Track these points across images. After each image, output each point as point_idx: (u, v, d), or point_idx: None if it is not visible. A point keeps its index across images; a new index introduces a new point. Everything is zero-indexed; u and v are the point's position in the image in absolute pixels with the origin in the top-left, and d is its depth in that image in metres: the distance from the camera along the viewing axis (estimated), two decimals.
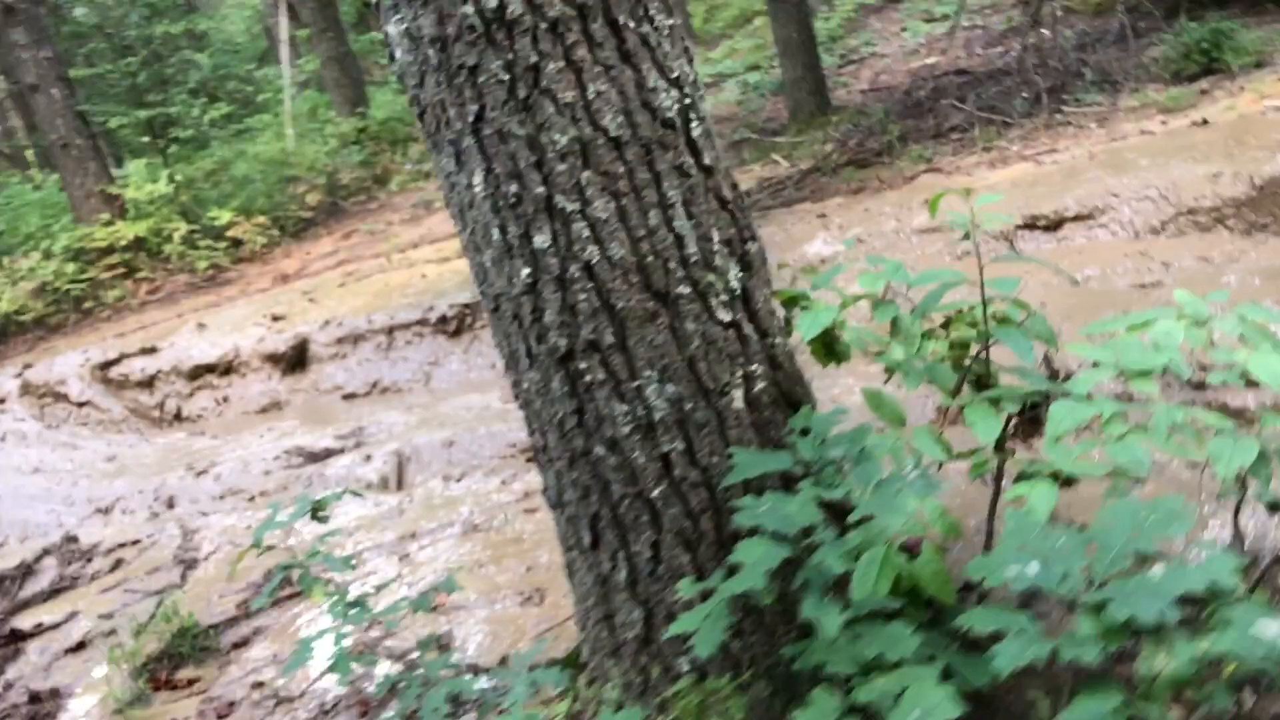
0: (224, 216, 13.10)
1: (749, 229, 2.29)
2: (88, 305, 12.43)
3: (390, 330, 7.66)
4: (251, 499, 5.68)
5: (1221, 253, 5.10)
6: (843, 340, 2.51)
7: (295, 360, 7.82)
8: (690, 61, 2.16)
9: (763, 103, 11.87)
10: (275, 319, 8.54)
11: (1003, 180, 6.52)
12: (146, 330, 10.59)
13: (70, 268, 12.34)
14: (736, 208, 2.25)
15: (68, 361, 8.53)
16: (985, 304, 2.38)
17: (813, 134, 10.16)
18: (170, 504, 5.83)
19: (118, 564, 5.11)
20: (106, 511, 5.96)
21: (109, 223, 12.80)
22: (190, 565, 4.83)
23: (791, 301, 2.56)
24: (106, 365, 8.33)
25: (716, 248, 2.19)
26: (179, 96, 13.58)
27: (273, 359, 7.85)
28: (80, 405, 8.23)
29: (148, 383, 8.17)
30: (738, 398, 2.18)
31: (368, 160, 15.64)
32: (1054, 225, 5.86)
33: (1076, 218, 5.79)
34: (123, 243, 12.61)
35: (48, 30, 12.94)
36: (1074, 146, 6.88)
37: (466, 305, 7.52)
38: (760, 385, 2.21)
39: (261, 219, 13.18)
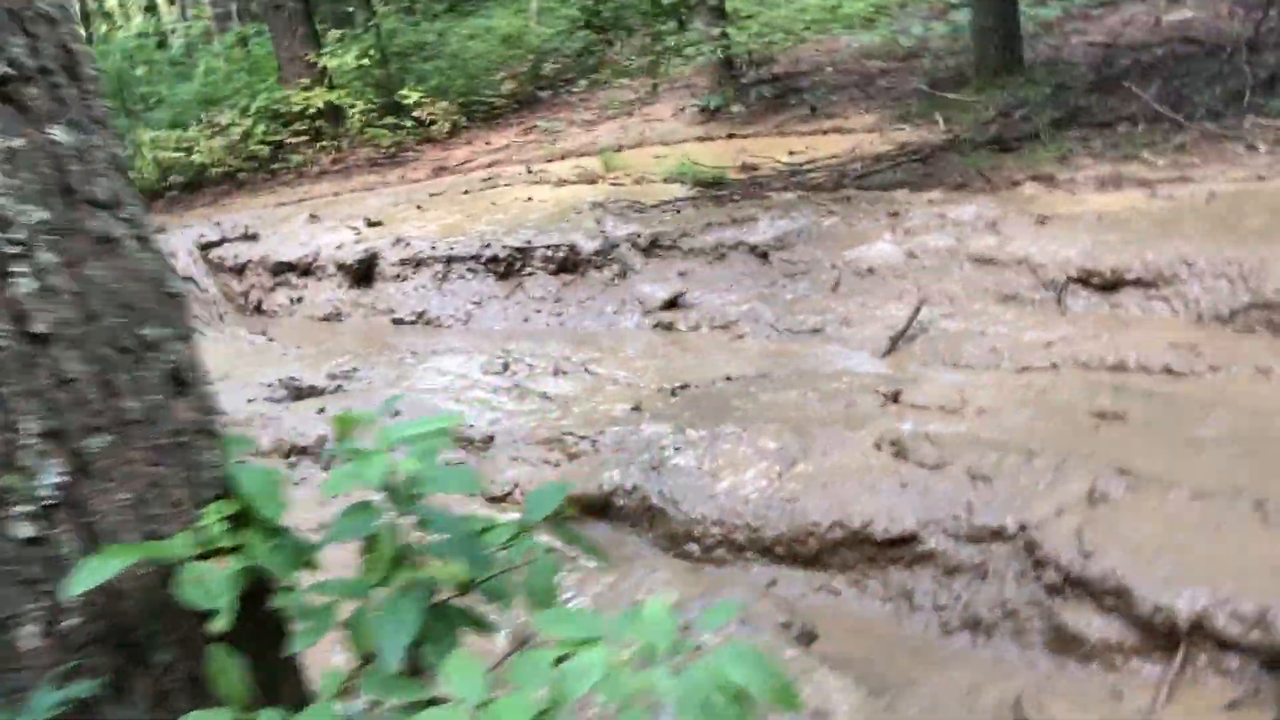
0: (413, 96, 13.24)
1: (113, 412, 1.83)
2: (275, 166, 13.00)
3: (449, 261, 7.49)
4: None
5: None
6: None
7: (362, 274, 7.82)
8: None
9: (956, 49, 10.58)
10: (370, 224, 8.55)
11: (1096, 211, 5.44)
12: (304, 202, 10.96)
13: (261, 128, 12.90)
14: (95, 387, 1.81)
15: (182, 236, 8.91)
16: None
17: (990, 95, 8.96)
18: None
19: None
20: None
21: (308, 88, 13.22)
22: None
23: None
24: (208, 246, 8.63)
25: (28, 441, 1.77)
26: None
27: (344, 269, 7.87)
28: (184, 280, 8.60)
29: (240, 270, 8.42)
30: (29, 634, 1.79)
31: (587, 49, 15.32)
32: (1109, 286, 4.85)
33: (1137, 282, 4.75)
34: (313, 109, 13.01)
35: None
36: (1216, 177, 5.64)
37: (519, 249, 7.21)
38: (75, 620, 1.81)
39: (445, 103, 13.22)
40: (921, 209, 6.19)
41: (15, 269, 1.68)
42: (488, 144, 12.97)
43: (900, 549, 3.32)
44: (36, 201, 1.69)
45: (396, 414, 2.32)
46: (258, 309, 8.25)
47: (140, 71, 16.80)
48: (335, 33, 13.99)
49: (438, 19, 16.41)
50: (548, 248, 7.10)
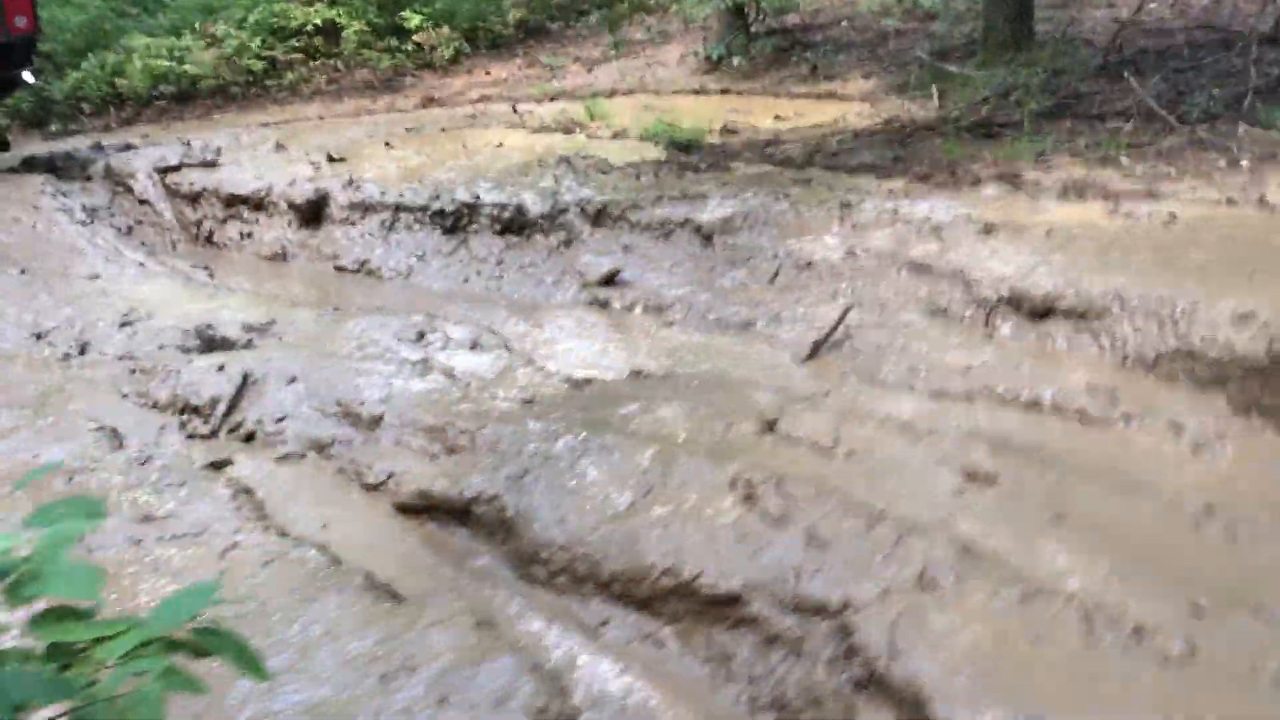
0: (415, 20, 12.85)
1: None
2: (269, 83, 12.70)
3: (396, 209, 7.24)
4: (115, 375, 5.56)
5: (1201, 431, 3.72)
6: None
7: (312, 215, 7.59)
8: None
9: (975, 13, 10.03)
10: (331, 160, 8.28)
11: (1048, 223, 5.07)
12: (288, 123, 10.71)
13: (257, 42, 12.57)
14: None
15: (144, 157, 8.69)
16: None
17: (993, 71, 8.48)
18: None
19: None
20: None
21: (307, 3, 12.86)
22: None
23: None
24: (167, 170, 8.41)
25: None
26: None
27: (294, 207, 7.64)
28: (141, 203, 8.40)
29: (194, 198, 8.20)
30: None
31: None
32: (1040, 313, 4.51)
33: (1069, 312, 4.41)
34: (309, 27, 12.67)
35: None
36: (1185, 195, 5.24)
37: (468, 204, 6.92)
38: None
39: (447, 29, 12.82)
40: (876, 201, 5.83)
41: None
42: (487, 74, 12.61)
43: (726, 609, 3.08)
44: None
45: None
46: (209, 240, 8.05)
47: None
48: None
49: None
50: (495, 205, 6.82)
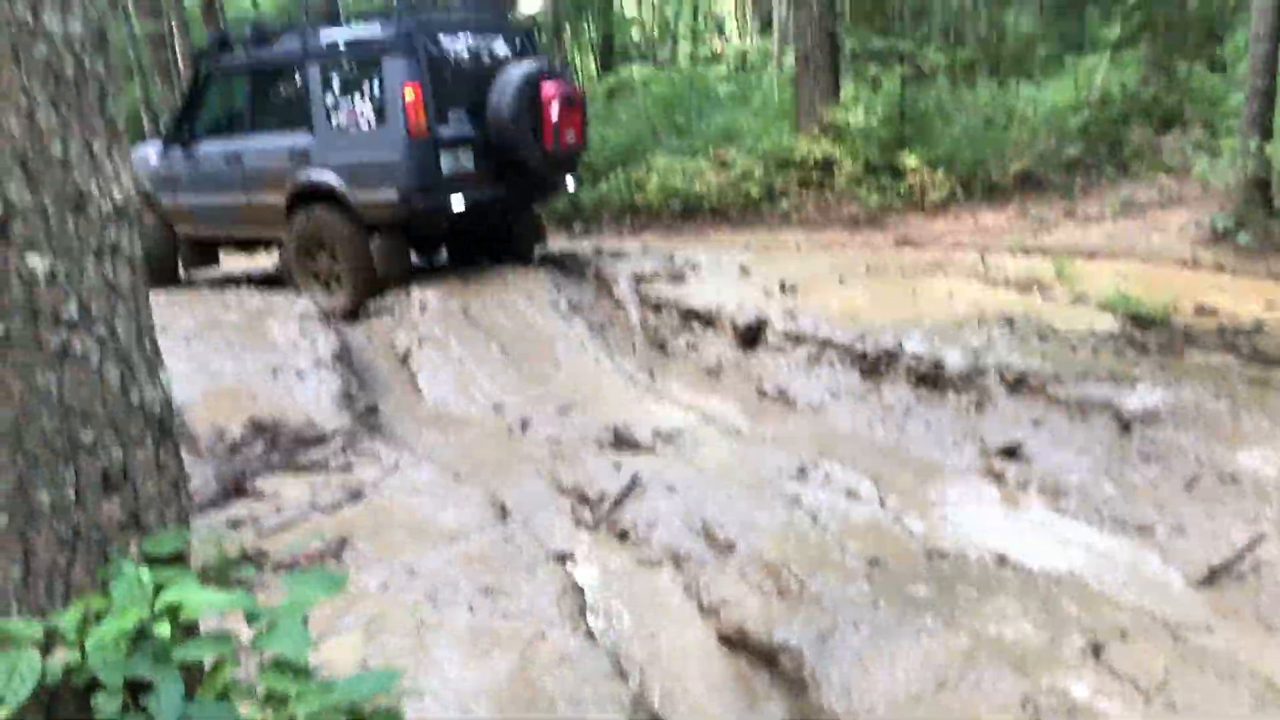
0: (911, 161, 13.13)
1: (19, 499, 2.09)
2: (764, 208, 13.58)
3: (824, 344, 7.43)
4: None
5: None
6: None
7: (750, 338, 8.02)
8: None
9: None
10: (783, 289, 8.70)
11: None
12: (767, 249, 11.43)
13: (760, 170, 13.51)
14: (10, 476, 2.08)
15: (628, 264, 9.69)
16: None
17: None
18: None
19: None
20: None
21: (815, 139, 13.62)
22: None
23: None
24: (643, 279, 9.30)
25: None
26: (919, 34, 13.58)
27: (735, 329, 8.11)
28: (616, 305, 9.35)
29: (657, 307, 8.99)
30: None
31: (1118, 141, 14.16)
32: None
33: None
34: (810, 160, 13.38)
35: None
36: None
37: (889, 351, 6.96)
38: None
39: (940, 173, 12.93)
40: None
41: None
42: (973, 221, 12.52)
43: None
44: None
45: None
46: (661, 347, 8.75)
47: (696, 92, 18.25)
48: (852, 89, 14.19)
49: (975, 86, 15.99)
50: (914, 356, 6.78)
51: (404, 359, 8.11)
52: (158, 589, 2.09)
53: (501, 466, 6.38)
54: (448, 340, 8.16)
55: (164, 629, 2.00)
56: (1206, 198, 11.68)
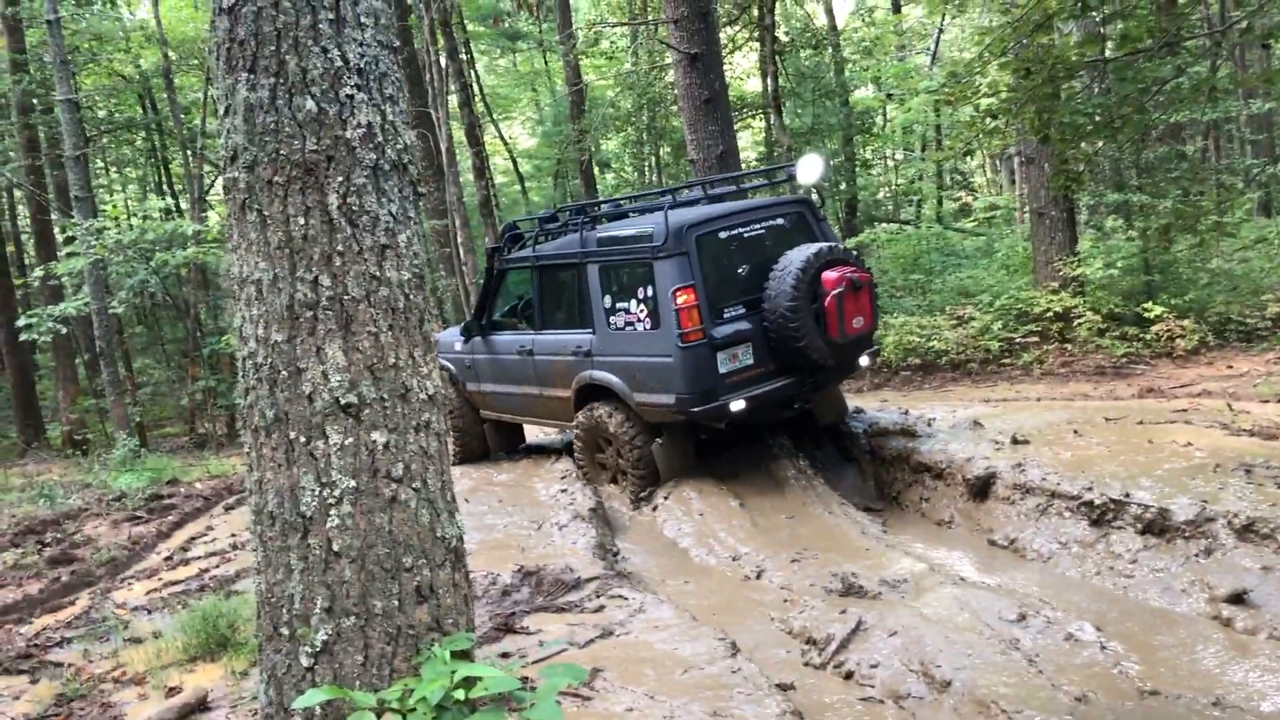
0: (1156, 310, 13.06)
1: (363, 605, 2.94)
2: (1004, 361, 13.77)
3: (1052, 495, 7.63)
4: None
5: None
6: None
7: (979, 489, 8.29)
8: None
9: None
10: (1015, 441, 8.95)
11: None
12: (1004, 403, 11.65)
13: (998, 325, 13.77)
14: (358, 588, 2.93)
15: (862, 422, 10.19)
16: None
17: None
18: None
19: None
20: None
21: (1054, 292, 13.80)
22: None
23: None
24: (877, 434, 9.77)
25: (317, 611, 2.95)
26: (1160, 183, 13.63)
27: (965, 480, 8.43)
28: (851, 461, 9.84)
29: (891, 461, 9.41)
30: None
31: None
32: None
33: None
34: (1050, 313, 13.53)
35: None
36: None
37: (1116, 500, 7.11)
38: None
39: (1188, 321, 12.77)
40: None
41: (331, 512, 2.97)
42: (1228, 368, 12.26)
43: None
44: (350, 475, 2.96)
45: None
46: (895, 499, 9.14)
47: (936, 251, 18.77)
48: (1089, 240, 14.31)
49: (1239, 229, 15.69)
50: (1141, 505, 6.91)
51: (651, 510, 8.90)
52: (453, 672, 2.87)
53: (735, 610, 6.95)
54: (690, 494, 8.90)
55: (461, 692, 2.75)
56: None
